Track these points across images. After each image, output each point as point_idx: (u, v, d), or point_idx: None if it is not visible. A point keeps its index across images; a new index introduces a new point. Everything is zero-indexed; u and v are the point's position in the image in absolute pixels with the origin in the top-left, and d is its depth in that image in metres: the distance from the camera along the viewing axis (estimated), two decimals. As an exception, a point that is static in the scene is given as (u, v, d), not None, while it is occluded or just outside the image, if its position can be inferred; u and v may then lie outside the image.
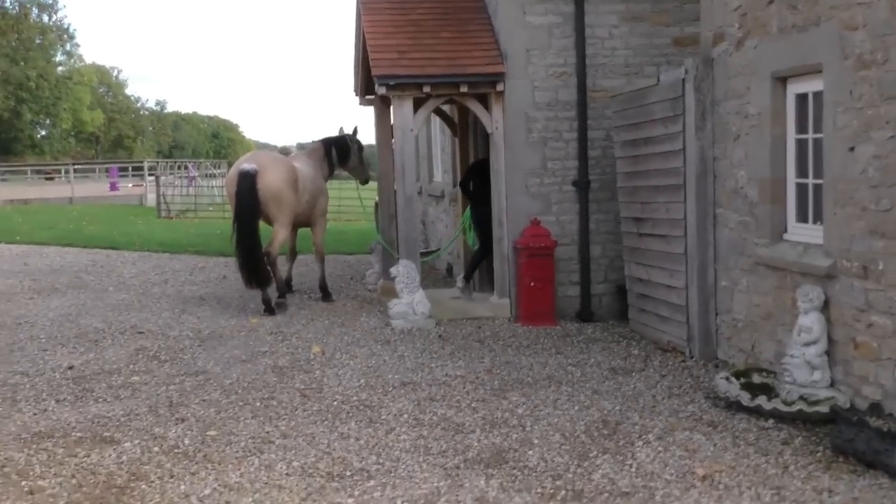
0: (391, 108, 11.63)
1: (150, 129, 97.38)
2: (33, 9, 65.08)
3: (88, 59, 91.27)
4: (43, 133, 70.38)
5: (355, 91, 11.89)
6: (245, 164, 10.61)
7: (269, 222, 10.73)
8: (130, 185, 41.91)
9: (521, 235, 9.82)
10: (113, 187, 39.67)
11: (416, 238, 10.02)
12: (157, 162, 37.51)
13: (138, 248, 18.08)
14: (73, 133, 74.92)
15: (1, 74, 59.27)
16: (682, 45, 9.97)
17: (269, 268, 10.53)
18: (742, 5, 7.06)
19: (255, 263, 10.36)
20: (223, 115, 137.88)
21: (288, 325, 9.66)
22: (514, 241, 9.88)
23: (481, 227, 10.77)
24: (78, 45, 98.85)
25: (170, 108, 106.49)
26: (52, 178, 46.99)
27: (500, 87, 9.82)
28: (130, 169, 46.62)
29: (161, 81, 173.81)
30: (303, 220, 11.60)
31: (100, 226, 23.46)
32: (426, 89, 9.71)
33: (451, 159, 13.28)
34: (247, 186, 10.36)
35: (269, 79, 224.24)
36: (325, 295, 11.62)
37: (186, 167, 40.03)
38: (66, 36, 71.14)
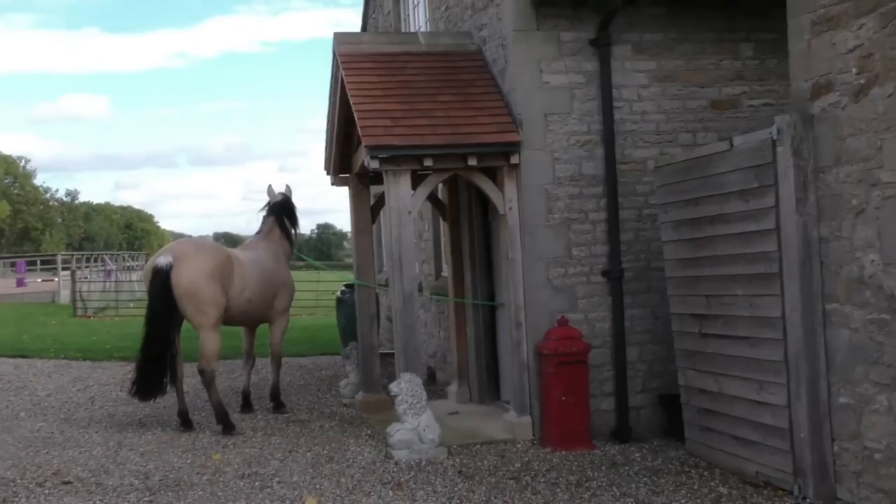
0: (382, 185, 9.97)
1: (60, 220, 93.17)
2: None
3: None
4: (-57, 225, 65.96)
5: (326, 169, 10.08)
6: (161, 256, 8.94)
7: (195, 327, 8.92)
8: (40, 279, 38.69)
9: (546, 339, 8.04)
10: (20, 283, 36.45)
11: (419, 346, 8.14)
12: (72, 255, 34.60)
13: (54, 355, 15.59)
14: (-25, 226, 70.59)
15: None
16: (721, 108, 8.56)
17: (165, 377, 8.92)
18: (864, 44, 5.58)
19: (154, 371, 8.81)
20: (137, 206, 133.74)
21: (260, 460, 7.56)
22: (538, 345, 8.09)
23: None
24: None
25: (81, 199, 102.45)
26: (-50, 275, 43.34)
27: (514, 160, 8.17)
28: (39, 262, 43.42)
29: (72, 170, 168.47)
30: (254, 318, 9.71)
31: (6, 328, 20.73)
32: (427, 162, 7.98)
33: (434, 248, 11.53)
34: (158, 284, 8.68)
35: (185, 166, 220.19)
36: (278, 405, 9.86)
37: (103, 259, 37.26)
38: (-31, 125, 67.49)
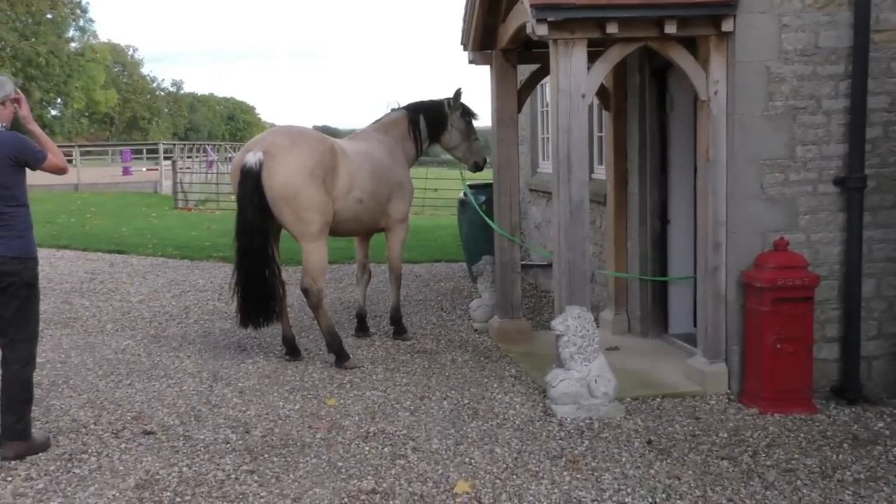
0: (531, 63, 8.06)
1: (166, 110, 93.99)
2: (44, -20, 61.34)
3: (103, 37, 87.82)
4: (54, 113, 66.68)
5: (463, 43, 8.12)
6: (250, 151, 7.09)
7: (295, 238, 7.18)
8: (144, 168, 38.31)
9: (759, 266, 6.08)
10: (126, 172, 36.08)
11: (586, 271, 6.29)
12: (174, 145, 33.87)
13: (151, 252, 14.46)
14: (86, 113, 71.34)
15: (9, 50, 55.70)
16: None
17: (275, 303, 7.23)
18: None
19: (263, 295, 7.12)
20: (239, 97, 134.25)
21: (385, 410, 5.97)
22: (745, 273, 6.15)
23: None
24: (92, 21, 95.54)
25: (186, 89, 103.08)
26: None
27: (726, 26, 6.05)
28: (145, 152, 43.11)
29: (177, 62, 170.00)
30: (366, 227, 7.96)
31: (107, 219, 19.87)
32: (611, 29, 5.93)
33: (590, 145, 9.53)
34: (248, 187, 6.98)
35: (290, 60, 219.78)
36: (399, 329, 8.23)
37: (205, 150, 36.48)
38: (79, 11, 67.13)
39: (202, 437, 5.43)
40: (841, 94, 6.17)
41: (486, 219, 9.19)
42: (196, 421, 5.74)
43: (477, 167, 8.73)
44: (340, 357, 7.18)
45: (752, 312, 6.12)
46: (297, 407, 6.04)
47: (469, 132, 8.56)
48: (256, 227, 7.03)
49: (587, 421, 5.69)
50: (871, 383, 6.37)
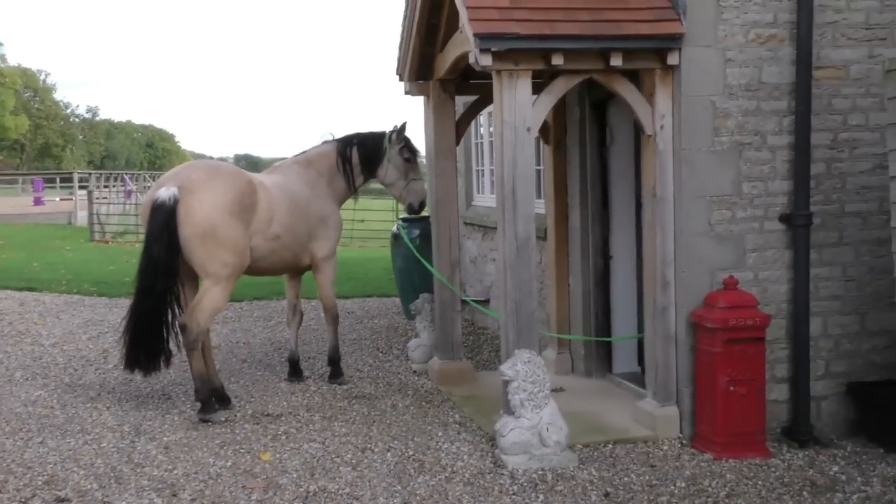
0: (471, 95, 7.84)
1: (81, 137, 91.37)
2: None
3: (12, 61, 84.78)
4: (-41, 140, 64.16)
5: (399, 73, 7.85)
6: (164, 186, 6.65)
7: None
8: (58, 198, 36.87)
9: (709, 305, 5.94)
10: (38, 202, 34.67)
11: (534, 311, 6.04)
12: (89, 173, 32.64)
13: (65, 290, 13.68)
14: (-6, 141, 68.81)
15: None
16: (952, -5, 6.23)
17: (165, 346, 6.84)
18: None
19: (149, 335, 6.71)
20: (158, 125, 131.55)
21: (325, 465, 5.57)
22: (695, 313, 6.00)
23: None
24: (0, 45, 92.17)
25: (102, 116, 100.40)
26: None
27: (671, 59, 5.93)
28: (58, 180, 41.54)
29: (93, 87, 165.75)
30: (287, 265, 7.52)
31: (16, 253, 18.88)
32: (556, 60, 5.75)
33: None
34: (158, 224, 6.56)
35: (210, 87, 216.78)
36: (335, 371, 7.78)
37: (123, 179, 35.32)
38: (-14, 35, 64.95)
39: (124, 502, 4.95)
40: (785, 130, 6.11)
41: (421, 258, 8.90)
42: (117, 484, 5.24)
43: (411, 209, 8.27)
44: (205, 408, 6.58)
45: (704, 353, 5.96)
46: (229, 464, 5.60)
47: (408, 170, 8.12)
48: (162, 268, 6.58)
49: (540, 472, 5.41)
50: (821, 423, 6.27)
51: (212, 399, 6.72)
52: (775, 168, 6.14)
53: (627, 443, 6.05)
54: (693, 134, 6.02)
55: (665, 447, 5.96)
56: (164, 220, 6.51)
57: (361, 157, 8.01)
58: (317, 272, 7.72)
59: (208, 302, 6.66)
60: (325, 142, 8.12)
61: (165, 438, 6.12)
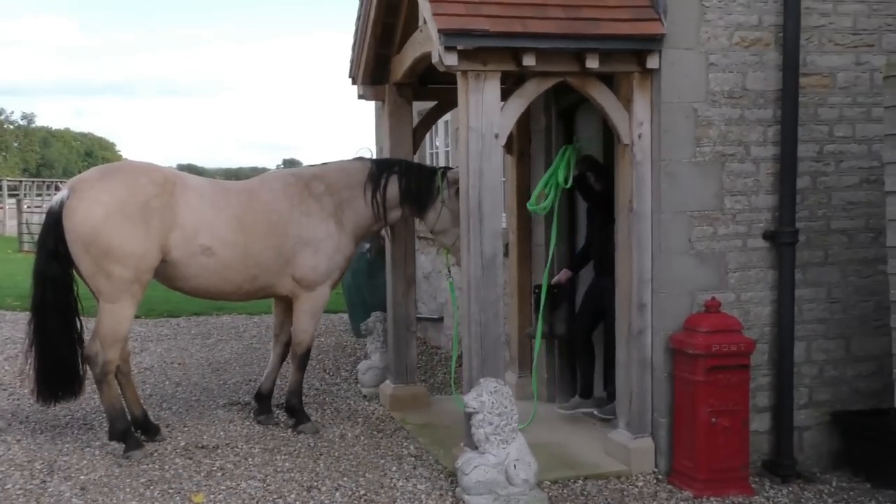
0: (429, 101, 7.29)
1: (16, 144, 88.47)
2: None
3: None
4: None
5: (352, 75, 7.26)
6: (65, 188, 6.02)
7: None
8: (-14, 207, 35.26)
9: (687, 329, 5.47)
10: (-35, 211, 33.06)
11: (501, 335, 5.50)
12: (20, 181, 31.29)
13: (-13, 304, 12.76)
14: (-78, 147, 66.14)
15: None
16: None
17: (78, 370, 6.04)
18: None
19: (55, 360, 5.96)
20: (99, 133, 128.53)
21: (264, 503, 4.94)
22: (674, 338, 5.52)
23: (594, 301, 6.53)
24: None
25: (39, 123, 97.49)
26: None
27: (651, 63, 5.46)
28: (-12, 189, 39.81)
29: (29, 94, 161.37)
30: (245, 290, 6.40)
31: (-63, 264, 17.76)
32: (528, 61, 5.23)
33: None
34: (45, 228, 5.93)
35: (154, 97, 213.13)
36: (297, 416, 6.62)
37: (57, 188, 33.94)
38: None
39: (27, 559, 4.26)
40: (769, 141, 5.69)
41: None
42: (22, 535, 4.54)
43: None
44: (128, 444, 5.83)
45: (683, 381, 5.48)
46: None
47: (455, 209, 6.47)
48: (48, 278, 5.86)
49: (506, 515, 4.85)
50: (803, 456, 5.84)
51: (131, 432, 5.96)
52: (759, 181, 5.71)
53: (599, 478, 5.54)
54: (673, 144, 5.56)
55: (640, 483, 5.46)
56: (51, 225, 5.81)
57: (405, 189, 6.68)
58: (295, 301, 6.55)
59: (105, 326, 5.83)
60: (359, 158, 6.98)
61: (82, 477, 5.40)
